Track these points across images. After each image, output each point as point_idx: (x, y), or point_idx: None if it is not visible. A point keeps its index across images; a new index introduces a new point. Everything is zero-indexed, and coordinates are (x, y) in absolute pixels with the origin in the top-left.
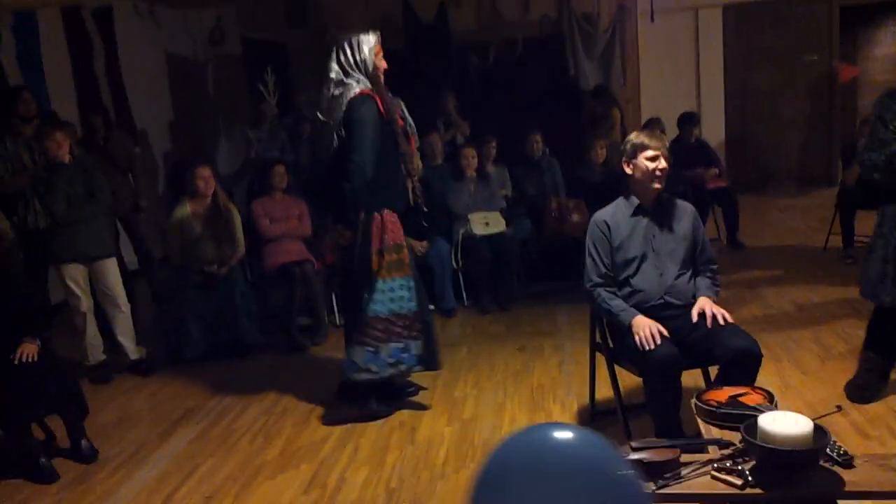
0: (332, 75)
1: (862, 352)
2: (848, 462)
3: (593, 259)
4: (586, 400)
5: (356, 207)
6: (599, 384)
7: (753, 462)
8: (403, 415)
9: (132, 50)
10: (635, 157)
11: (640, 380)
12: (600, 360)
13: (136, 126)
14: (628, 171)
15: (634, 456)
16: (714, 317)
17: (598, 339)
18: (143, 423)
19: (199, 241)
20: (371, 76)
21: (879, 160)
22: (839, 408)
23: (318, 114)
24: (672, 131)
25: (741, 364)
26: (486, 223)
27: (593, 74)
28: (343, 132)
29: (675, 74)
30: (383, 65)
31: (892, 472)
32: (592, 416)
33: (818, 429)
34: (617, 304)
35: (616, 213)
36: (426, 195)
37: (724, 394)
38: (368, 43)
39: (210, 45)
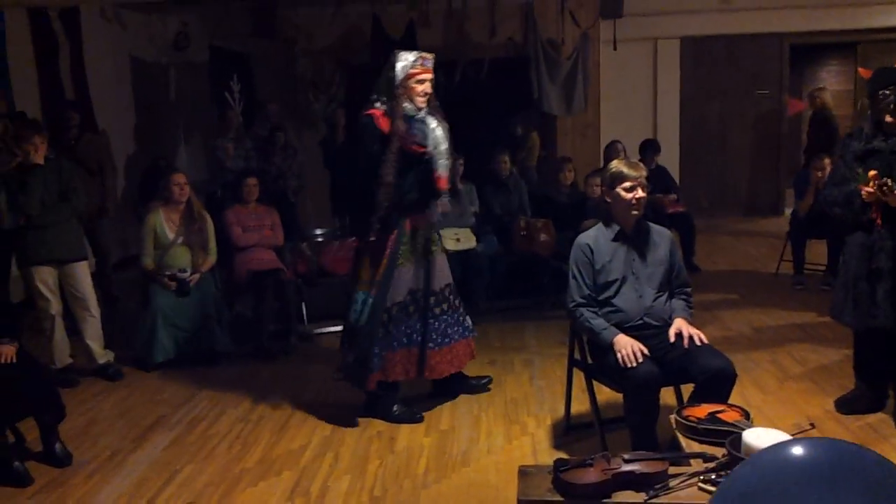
0: (376, 87)
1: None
2: None
3: (577, 280)
4: (559, 413)
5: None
6: (574, 398)
7: None
8: (381, 424)
9: (97, 52)
10: (614, 187)
11: (613, 395)
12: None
13: (98, 128)
14: (608, 199)
15: (626, 467)
16: (690, 337)
17: (576, 356)
18: (115, 428)
19: (171, 248)
20: (397, 96)
21: (839, 197)
22: (813, 425)
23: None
24: (631, 156)
25: (717, 383)
26: (458, 239)
27: (556, 98)
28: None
29: (634, 102)
30: (420, 88)
31: None
32: (567, 430)
33: None
34: (599, 322)
35: (598, 237)
36: None
37: (702, 410)
38: (404, 61)
39: (175, 51)
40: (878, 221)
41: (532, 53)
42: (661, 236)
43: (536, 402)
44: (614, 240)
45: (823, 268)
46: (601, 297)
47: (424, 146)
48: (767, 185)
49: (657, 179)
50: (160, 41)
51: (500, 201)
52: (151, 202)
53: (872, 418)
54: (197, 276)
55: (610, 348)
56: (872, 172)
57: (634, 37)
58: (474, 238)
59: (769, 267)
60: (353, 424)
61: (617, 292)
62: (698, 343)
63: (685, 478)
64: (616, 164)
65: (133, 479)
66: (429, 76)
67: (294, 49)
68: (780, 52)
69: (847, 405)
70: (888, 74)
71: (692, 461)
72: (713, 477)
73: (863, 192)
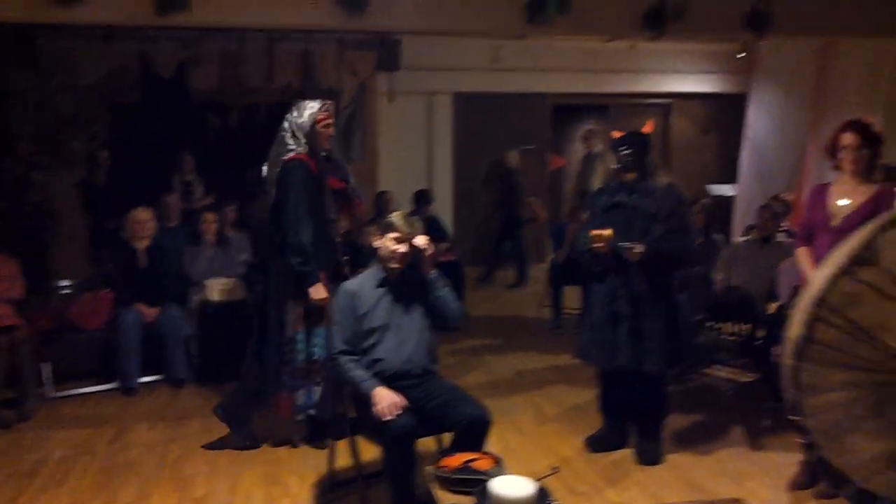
0: (282, 134)
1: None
2: None
3: (339, 327)
4: (324, 470)
5: (299, 261)
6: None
7: None
8: (127, 496)
9: None
10: (385, 233)
11: (378, 449)
12: None
13: None
14: (377, 243)
15: None
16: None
17: (339, 410)
18: None
19: None
20: (309, 140)
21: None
22: (557, 468)
23: (263, 169)
24: (405, 205)
25: (473, 431)
26: (225, 289)
27: (335, 146)
28: (275, 191)
29: (410, 152)
30: (326, 132)
31: None
32: (331, 487)
33: (540, 490)
34: (359, 374)
35: (364, 282)
36: (161, 258)
37: (457, 460)
38: (311, 109)
39: None
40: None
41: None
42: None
43: (302, 459)
44: (379, 286)
45: (579, 311)
46: (364, 346)
47: (347, 181)
48: (534, 234)
49: (429, 228)
50: None
51: None
52: None
53: (617, 455)
54: None
55: (369, 400)
56: (597, 233)
57: (410, 90)
58: (243, 288)
59: (533, 313)
60: None
61: (379, 340)
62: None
63: None
64: (396, 216)
65: None
66: (332, 121)
67: (52, 84)
68: (542, 110)
69: (596, 443)
70: (627, 136)
71: None
72: None
73: (595, 248)
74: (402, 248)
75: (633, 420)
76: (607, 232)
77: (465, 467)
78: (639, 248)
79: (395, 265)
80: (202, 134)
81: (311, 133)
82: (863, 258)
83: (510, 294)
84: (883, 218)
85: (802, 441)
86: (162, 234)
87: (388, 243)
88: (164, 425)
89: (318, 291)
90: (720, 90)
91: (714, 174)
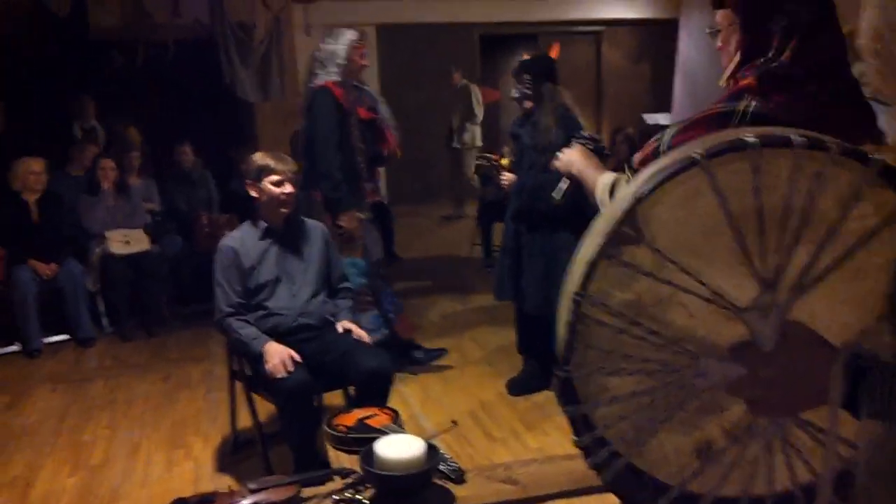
0: (314, 61)
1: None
2: (460, 477)
3: (222, 288)
4: (228, 430)
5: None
6: (243, 413)
7: (374, 490)
8: (17, 467)
9: None
10: (260, 180)
11: None
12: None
13: None
14: (254, 194)
15: (251, 499)
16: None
17: (235, 367)
18: None
19: None
20: (341, 69)
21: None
22: (454, 423)
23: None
24: None
25: (373, 384)
26: (127, 241)
27: (251, 84)
28: (304, 119)
29: None
30: (361, 63)
31: (497, 484)
32: (234, 448)
33: (431, 448)
34: (248, 332)
35: (244, 237)
36: (56, 210)
37: (353, 417)
38: (349, 37)
39: None
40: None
41: (220, 36)
42: (315, 231)
43: (208, 418)
44: (262, 238)
45: None
46: (254, 302)
47: (376, 112)
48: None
49: None
50: None
51: (183, 196)
52: None
53: (539, 397)
54: None
55: (260, 358)
56: (504, 161)
57: (330, 22)
58: (147, 239)
59: (465, 252)
60: None
61: (270, 295)
62: (367, 340)
63: (320, 499)
64: (261, 157)
65: None
66: (367, 51)
67: None
68: (471, 42)
69: (516, 386)
70: (526, 62)
71: (334, 478)
72: (348, 495)
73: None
74: (287, 188)
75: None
76: (496, 156)
77: (360, 425)
78: (507, 179)
79: (284, 210)
80: (107, 75)
81: (346, 62)
82: (626, 236)
83: (443, 233)
84: (639, 184)
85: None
86: (60, 182)
87: (269, 188)
88: (65, 388)
89: (349, 219)
90: (651, 16)
91: (648, 103)
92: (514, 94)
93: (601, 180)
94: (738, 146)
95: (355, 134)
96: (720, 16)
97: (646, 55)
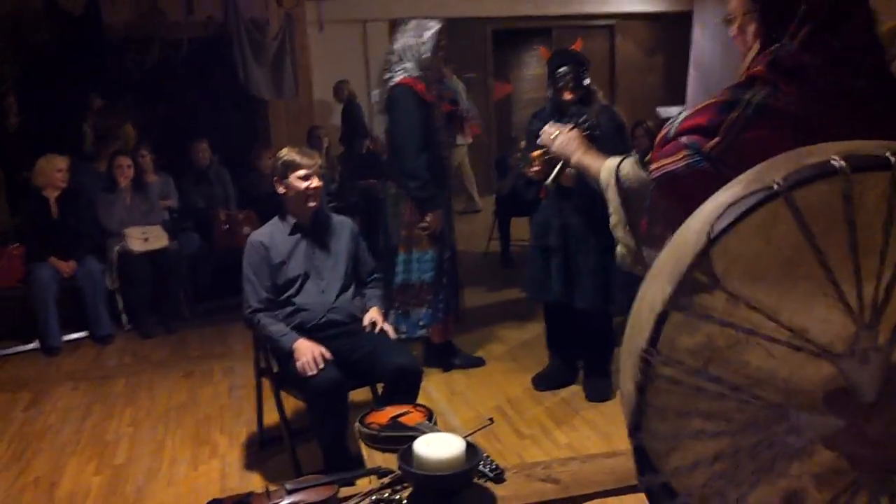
0: (388, 57)
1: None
2: (500, 476)
3: (252, 284)
4: (255, 427)
5: (416, 186)
6: (269, 410)
7: (411, 489)
8: (41, 467)
9: None
10: (287, 176)
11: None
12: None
13: None
14: (281, 190)
15: (288, 500)
16: (375, 331)
17: (262, 364)
18: None
19: None
20: (425, 64)
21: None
22: (491, 420)
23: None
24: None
25: (402, 381)
26: (146, 238)
27: (264, 81)
28: (385, 117)
29: None
30: (442, 56)
31: (538, 483)
32: (261, 445)
33: (470, 447)
34: (277, 328)
35: (273, 233)
36: (76, 207)
37: (386, 415)
38: (433, 30)
39: None
40: (542, 196)
41: (233, 32)
42: (343, 226)
43: (232, 415)
44: (291, 233)
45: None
46: (282, 298)
47: (457, 103)
48: (481, 165)
49: (370, 164)
50: None
51: (200, 193)
52: None
53: (565, 392)
54: None
55: (290, 355)
56: (536, 153)
57: (342, 18)
58: (165, 236)
59: (481, 247)
60: None
61: (299, 290)
62: (392, 336)
63: (359, 499)
64: (287, 152)
65: None
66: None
67: None
68: (482, 36)
69: (543, 381)
70: (565, 54)
71: (370, 479)
72: (386, 495)
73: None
74: (315, 182)
75: (580, 356)
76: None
77: (393, 423)
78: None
79: (312, 204)
80: (121, 73)
81: (431, 56)
82: (698, 283)
83: (461, 227)
84: (709, 218)
85: None
86: (84, 175)
87: (296, 183)
88: (86, 386)
89: (434, 218)
90: (665, 9)
91: (661, 97)
92: (552, 85)
93: (605, 165)
94: (826, 172)
95: (440, 129)
96: (735, 3)
97: (660, 48)
